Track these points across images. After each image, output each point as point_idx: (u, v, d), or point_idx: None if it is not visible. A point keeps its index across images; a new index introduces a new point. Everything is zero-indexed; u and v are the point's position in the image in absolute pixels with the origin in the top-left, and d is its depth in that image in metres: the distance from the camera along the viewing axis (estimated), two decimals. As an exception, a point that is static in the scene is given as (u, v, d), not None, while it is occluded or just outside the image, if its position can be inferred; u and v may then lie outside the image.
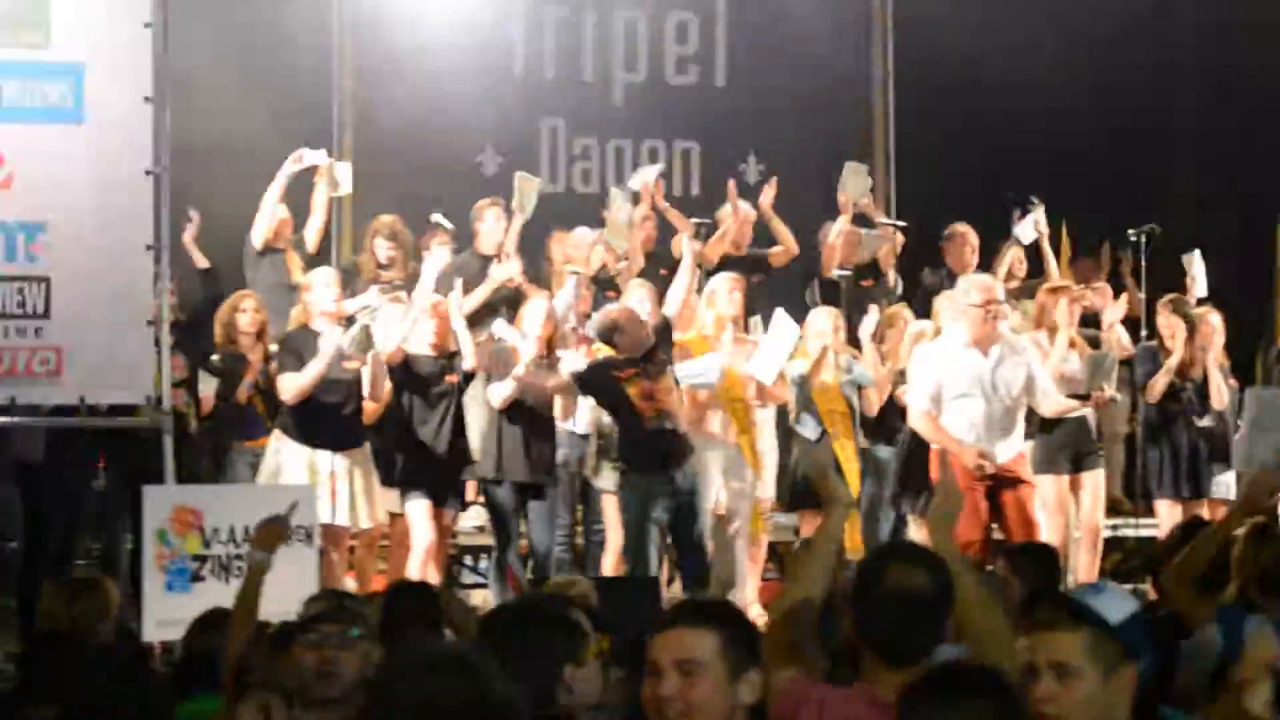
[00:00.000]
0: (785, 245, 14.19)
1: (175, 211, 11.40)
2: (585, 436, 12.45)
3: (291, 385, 11.43)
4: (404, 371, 11.79)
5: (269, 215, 13.00)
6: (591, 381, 11.67)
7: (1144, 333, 13.60)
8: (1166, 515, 12.71)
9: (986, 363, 11.19)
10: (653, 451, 11.46)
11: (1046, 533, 12.01)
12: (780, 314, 12.52)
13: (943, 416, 11.19)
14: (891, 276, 14.37)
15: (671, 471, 11.46)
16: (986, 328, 11.16)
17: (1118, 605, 4.43)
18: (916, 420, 11.43)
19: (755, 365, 12.23)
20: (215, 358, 12.12)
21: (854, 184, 14.19)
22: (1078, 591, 4.58)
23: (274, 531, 7.04)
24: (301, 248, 13.25)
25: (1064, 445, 12.55)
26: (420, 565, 11.42)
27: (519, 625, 5.06)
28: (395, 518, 11.84)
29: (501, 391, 11.77)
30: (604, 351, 12.18)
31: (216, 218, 13.31)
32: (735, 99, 16.39)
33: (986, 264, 14.24)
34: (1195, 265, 13.69)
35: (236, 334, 12.10)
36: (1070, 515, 12.63)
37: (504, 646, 4.74)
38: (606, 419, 12.05)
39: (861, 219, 14.42)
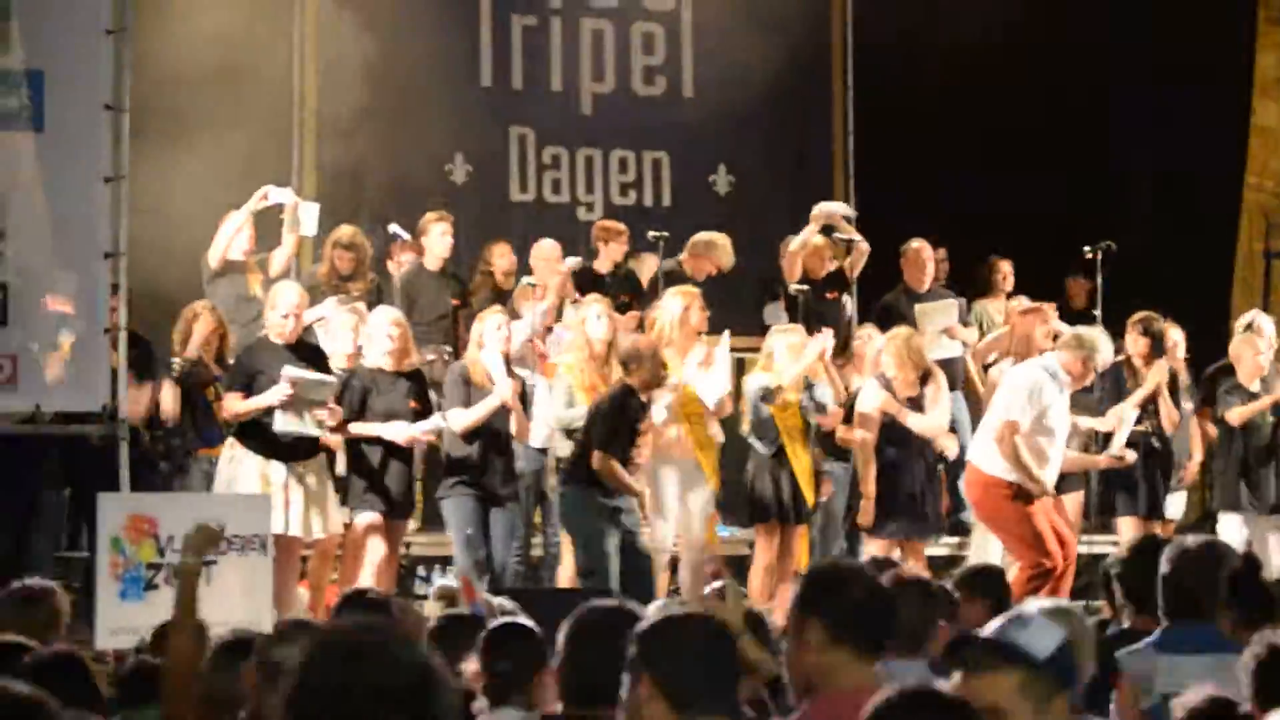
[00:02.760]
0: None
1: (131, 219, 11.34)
2: (543, 451, 12.43)
3: (232, 407, 11.40)
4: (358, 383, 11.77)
5: (225, 241, 12.90)
6: (618, 414, 11.59)
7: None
8: (1128, 534, 12.68)
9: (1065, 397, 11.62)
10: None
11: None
12: (725, 339, 12.58)
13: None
14: (849, 299, 14.42)
15: (629, 497, 11.64)
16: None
17: (1045, 638, 4.44)
18: (1009, 443, 11.49)
19: (702, 390, 12.28)
20: (176, 363, 12.09)
21: (832, 207, 14.24)
22: (1004, 627, 4.57)
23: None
24: (264, 266, 13.19)
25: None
26: (372, 577, 11.40)
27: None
28: (348, 528, 11.81)
29: (464, 420, 11.76)
30: (566, 365, 12.21)
31: (176, 226, 13.24)
32: (703, 109, 16.38)
33: (975, 275, 14.35)
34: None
35: (193, 342, 12.05)
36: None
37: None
38: (566, 444, 12.05)
39: (827, 228, 14.42)
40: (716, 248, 14.01)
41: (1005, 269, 14.79)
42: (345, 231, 13.31)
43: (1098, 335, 11.87)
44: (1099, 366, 11.79)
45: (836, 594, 5.09)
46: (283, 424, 11.18)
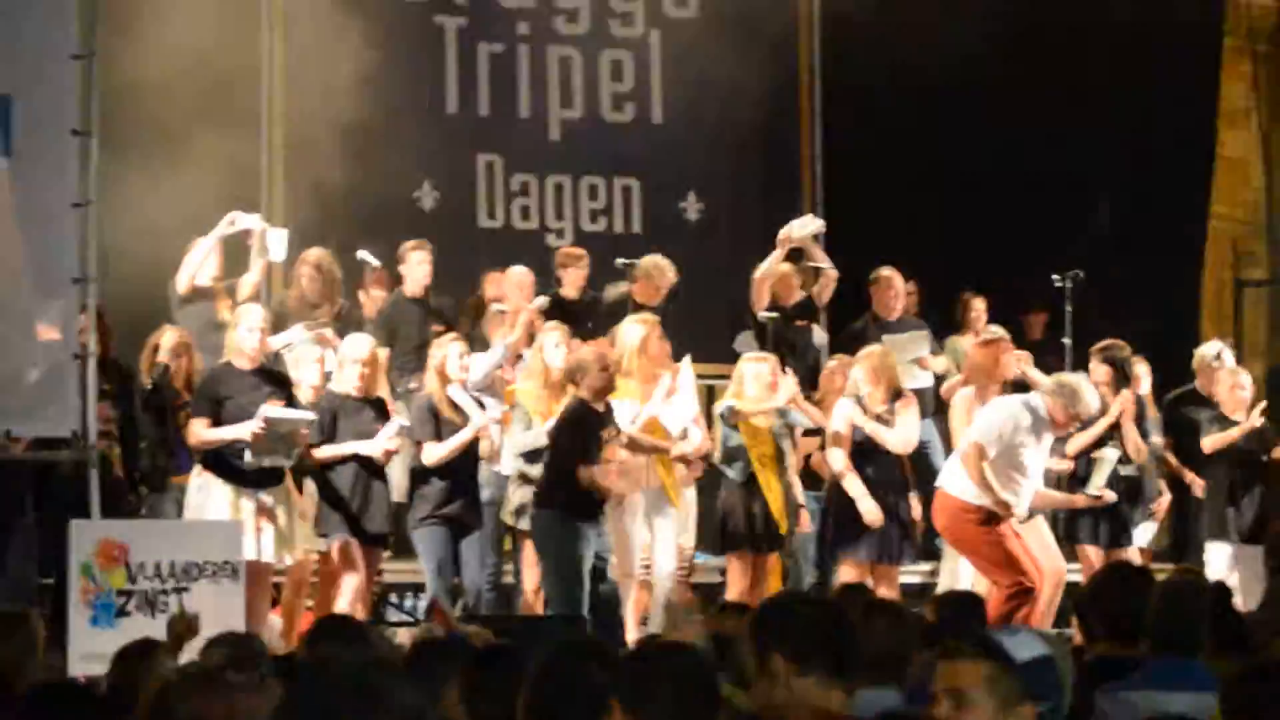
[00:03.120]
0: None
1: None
2: (509, 477, 12.41)
3: (199, 435, 11.37)
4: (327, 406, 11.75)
5: (193, 267, 12.85)
6: (577, 427, 11.62)
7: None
8: (1090, 563, 12.68)
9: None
10: (591, 503, 11.58)
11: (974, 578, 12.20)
12: (687, 364, 12.58)
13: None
14: (818, 327, 14.44)
15: (599, 521, 11.67)
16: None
17: (1028, 647, 4.49)
18: (975, 464, 11.51)
19: (667, 419, 12.29)
20: (148, 387, 12.05)
21: (799, 225, 14.23)
22: (994, 630, 4.61)
23: (183, 629, 7.00)
24: (233, 292, 13.15)
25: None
26: (348, 604, 11.36)
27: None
28: (323, 555, 11.77)
29: (437, 453, 11.75)
30: (523, 392, 12.22)
31: (142, 252, 13.19)
32: (673, 135, 16.42)
33: (948, 310, 14.39)
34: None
35: (160, 357, 12.00)
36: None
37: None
38: (534, 468, 12.04)
39: (797, 254, 14.42)
40: (659, 269, 13.98)
41: (978, 306, 14.79)
42: (314, 254, 13.28)
43: (1081, 383, 11.87)
44: (1082, 415, 11.80)
45: (792, 623, 5.09)
46: (251, 455, 11.15)
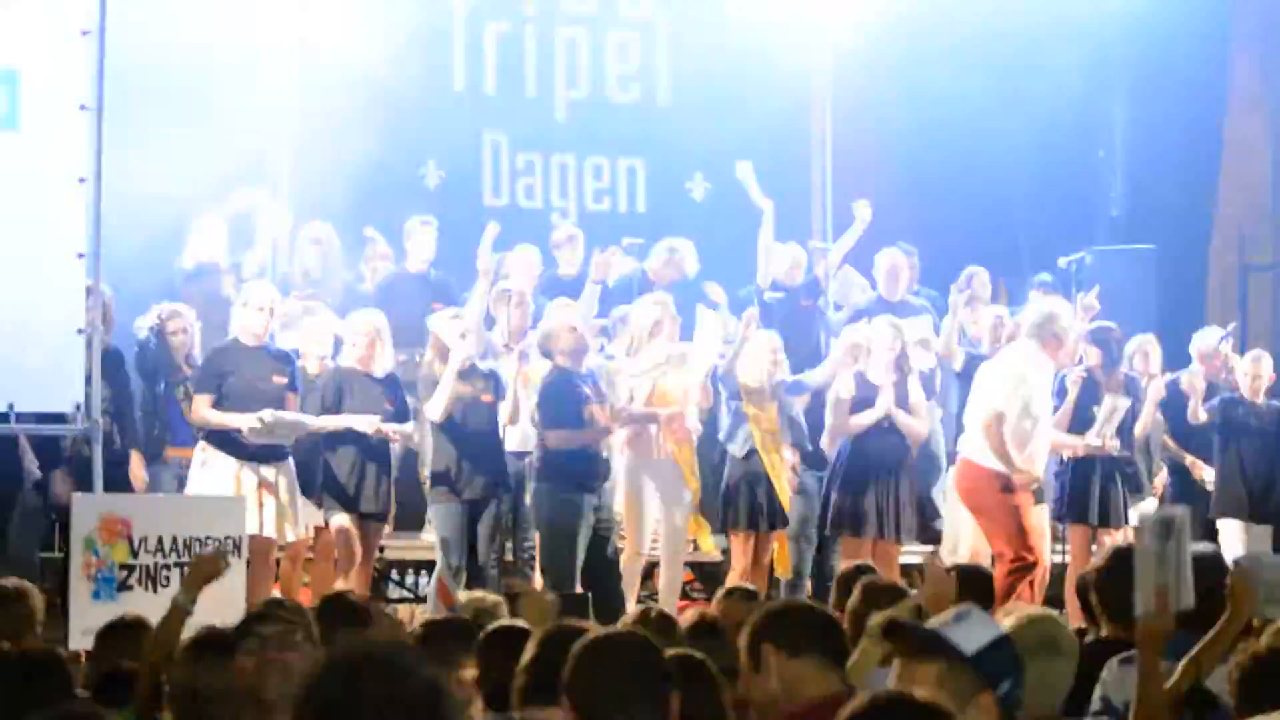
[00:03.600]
0: None
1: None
2: (520, 455, 12.42)
3: (201, 414, 11.40)
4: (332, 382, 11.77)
5: (198, 244, 12.89)
6: (557, 396, 11.68)
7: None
8: (1076, 542, 12.71)
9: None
10: (587, 473, 11.67)
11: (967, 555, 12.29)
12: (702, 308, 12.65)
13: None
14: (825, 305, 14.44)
15: (596, 492, 11.74)
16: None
17: (976, 634, 4.47)
18: (996, 434, 11.76)
19: (695, 359, 12.46)
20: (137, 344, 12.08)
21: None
22: (939, 620, 4.59)
23: (209, 570, 7.01)
24: (237, 270, 13.17)
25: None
26: (347, 580, 11.38)
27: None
28: (320, 531, 11.78)
29: (435, 406, 11.76)
30: (537, 369, 12.24)
31: (150, 225, 13.19)
32: (679, 117, 16.40)
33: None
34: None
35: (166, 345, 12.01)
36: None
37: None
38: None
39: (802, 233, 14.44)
40: (680, 254, 13.99)
41: (983, 277, 14.77)
42: (315, 228, 13.32)
43: (1052, 303, 12.16)
44: (1068, 330, 12.05)
45: (782, 616, 5.11)
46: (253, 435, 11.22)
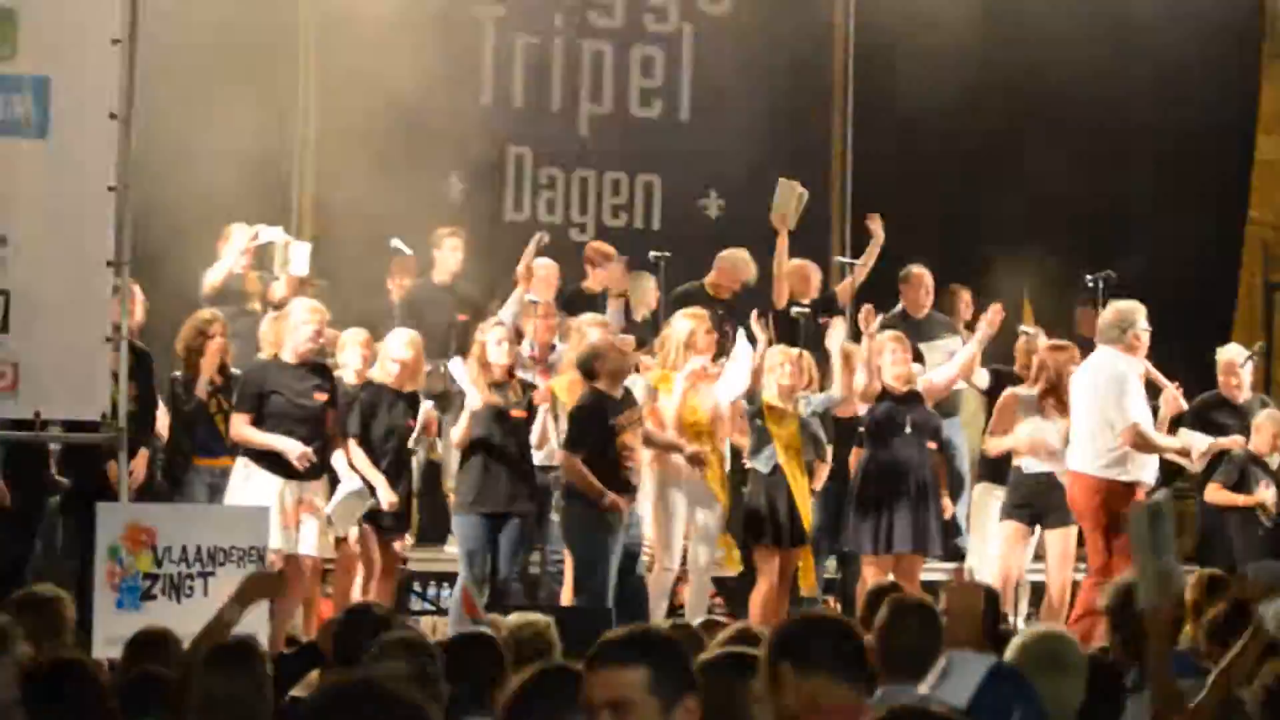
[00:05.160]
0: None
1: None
2: (545, 469, 12.41)
3: (241, 434, 11.42)
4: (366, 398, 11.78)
5: (221, 271, 12.89)
6: (591, 418, 11.64)
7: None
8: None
9: None
10: (617, 491, 11.57)
11: (990, 575, 12.33)
12: (741, 338, 12.62)
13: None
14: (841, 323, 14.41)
15: (627, 512, 11.71)
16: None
17: (965, 682, 4.47)
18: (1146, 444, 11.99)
19: (719, 388, 12.36)
20: (178, 375, 12.03)
21: (781, 204, 14.20)
22: (929, 684, 4.58)
23: (263, 588, 7.03)
24: (265, 284, 13.17)
25: (1023, 501, 12.59)
26: (369, 592, 11.39)
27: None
28: (340, 543, 11.78)
29: (455, 432, 11.76)
30: (560, 385, 12.23)
31: (178, 235, 13.20)
32: (698, 134, 16.44)
33: (939, 304, 14.36)
34: None
35: (201, 358, 11.99)
36: (1018, 566, 12.69)
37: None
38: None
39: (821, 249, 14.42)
40: (742, 263, 14.04)
41: (965, 297, 14.77)
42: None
43: (1129, 305, 12.21)
44: (1146, 330, 12.14)
45: (798, 635, 5.09)
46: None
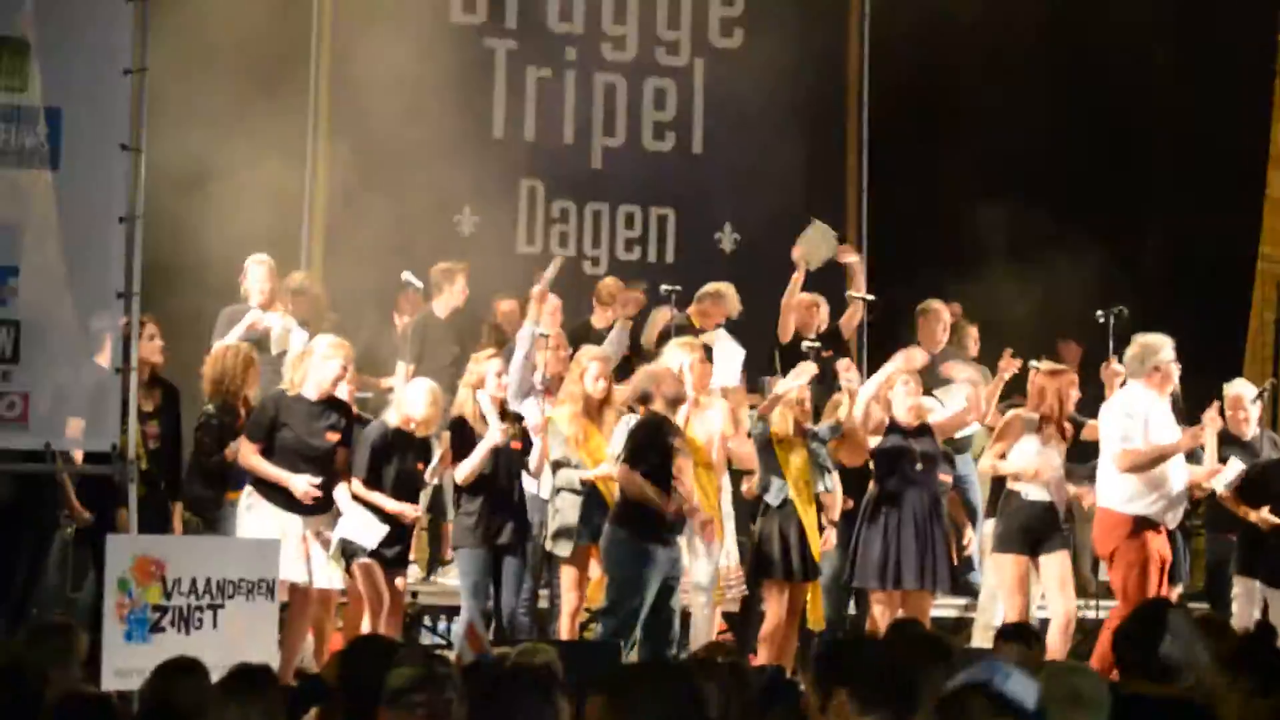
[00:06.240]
0: None
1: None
2: (548, 501, 12.37)
3: (248, 462, 11.40)
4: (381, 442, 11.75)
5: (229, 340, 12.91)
6: (651, 432, 11.50)
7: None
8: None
9: None
10: (666, 526, 11.44)
11: (1005, 613, 12.12)
12: (721, 335, 12.59)
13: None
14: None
15: (672, 546, 11.53)
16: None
17: (1028, 689, 4.47)
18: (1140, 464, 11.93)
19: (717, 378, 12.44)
20: (209, 408, 12.00)
21: (808, 244, 14.19)
22: (984, 672, 4.56)
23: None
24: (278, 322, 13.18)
25: (1023, 527, 12.48)
26: (382, 626, 11.35)
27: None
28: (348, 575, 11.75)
29: (464, 469, 11.72)
30: (559, 416, 12.20)
31: (190, 267, 13.20)
32: (711, 167, 16.45)
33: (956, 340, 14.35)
34: None
35: (235, 391, 11.97)
36: (1033, 596, 12.59)
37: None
38: (576, 485, 12.03)
39: (834, 282, 14.40)
40: (724, 297, 14.03)
41: (973, 333, 14.75)
42: (295, 278, 13.42)
43: (1153, 338, 12.21)
44: (1166, 360, 12.15)
45: (860, 661, 5.07)
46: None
